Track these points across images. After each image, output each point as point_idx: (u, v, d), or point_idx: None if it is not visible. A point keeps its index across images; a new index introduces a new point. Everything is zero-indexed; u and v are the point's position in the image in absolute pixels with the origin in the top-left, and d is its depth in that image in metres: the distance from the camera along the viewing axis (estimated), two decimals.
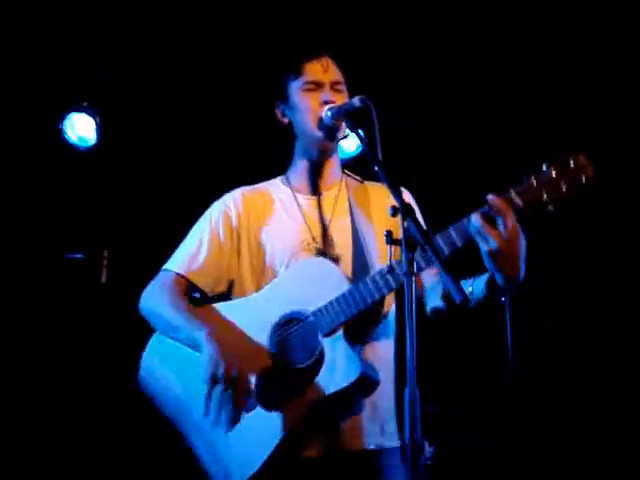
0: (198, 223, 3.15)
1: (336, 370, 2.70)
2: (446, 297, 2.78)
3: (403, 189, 3.05)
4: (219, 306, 2.99)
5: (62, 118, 5.58)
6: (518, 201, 2.46)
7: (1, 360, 5.31)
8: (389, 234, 2.45)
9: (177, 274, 3.02)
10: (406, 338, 2.22)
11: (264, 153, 3.85)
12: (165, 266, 3.08)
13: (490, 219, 2.47)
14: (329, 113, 2.96)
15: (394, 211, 2.39)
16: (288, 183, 3.20)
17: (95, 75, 5.47)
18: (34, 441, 5.22)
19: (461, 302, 2.15)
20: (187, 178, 5.72)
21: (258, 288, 2.98)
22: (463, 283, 2.67)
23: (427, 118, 5.65)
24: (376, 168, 2.55)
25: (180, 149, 5.79)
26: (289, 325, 2.83)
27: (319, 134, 3.01)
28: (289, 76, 3.08)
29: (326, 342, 2.74)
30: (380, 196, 3.08)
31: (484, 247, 2.47)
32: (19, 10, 5.00)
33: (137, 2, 5.13)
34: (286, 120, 3.13)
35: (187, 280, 3.02)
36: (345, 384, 2.66)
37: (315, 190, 3.15)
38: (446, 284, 2.26)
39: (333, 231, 3.04)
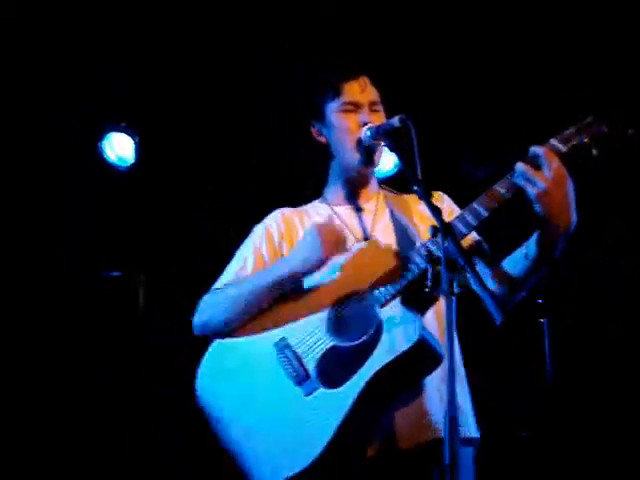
0: (241, 246, 3.17)
1: (395, 337, 2.64)
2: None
3: (440, 193, 3.07)
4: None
5: (101, 138, 5.63)
6: (560, 147, 2.49)
7: (37, 376, 5.34)
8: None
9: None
10: (447, 353, 2.19)
11: (304, 174, 3.84)
12: (215, 286, 3.07)
13: (535, 165, 2.47)
14: (368, 133, 2.96)
15: (434, 231, 2.39)
16: (326, 201, 3.20)
17: (133, 95, 5.52)
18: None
19: (501, 323, 2.13)
20: (224, 198, 5.75)
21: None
22: (518, 251, 2.65)
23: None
24: (415, 188, 2.54)
25: (217, 169, 5.82)
26: (345, 304, 2.81)
27: (357, 156, 3.01)
28: (327, 96, 3.06)
29: (383, 312, 2.71)
30: (419, 203, 3.04)
31: (532, 191, 2.45)
32: (57, 31, 5.06)
33: (173, 24, 5.17)
34: (323, 140, 3.12)
35: None
36: (405, 348, 2.59)
37: (354, 204, 3.15)
38: (486, 304, 2.24)
39: (376, 232, 3.03)
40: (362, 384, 2.61)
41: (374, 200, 3.16)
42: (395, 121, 2.82)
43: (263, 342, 2.87)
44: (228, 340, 2.95)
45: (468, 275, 2.31)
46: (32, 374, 5.36)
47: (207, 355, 2.98)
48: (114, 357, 5.47)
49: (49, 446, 5.23)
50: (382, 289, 2.74)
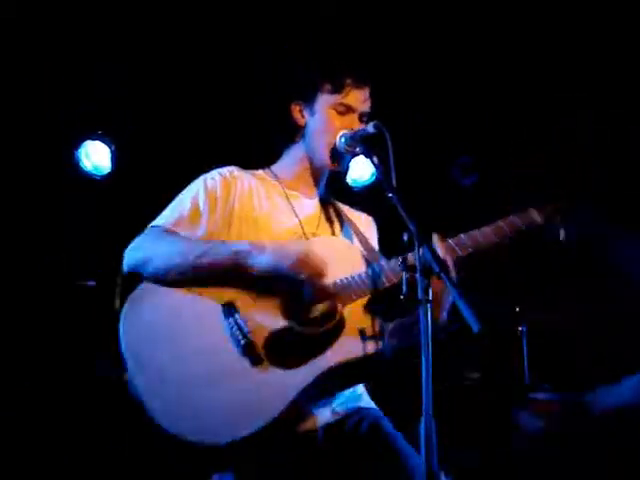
0: (195, 188, 3.01)
1: (351, 340, 2.68)
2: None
3: (371, 219, 3.21)
4: None
5: (77, 146, 5.58)
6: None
7: (14, 387, 5.30)
8: (404, 260, 2.44)
9: (169, 230, 2.87)
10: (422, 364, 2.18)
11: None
12: (156, 223, 2.91)
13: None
14: (342, 140, 2.95)
15: (409, 238, 2.39)
16: (276, 178, 3.16)
17: (110, 103, 5.49)
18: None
19: (479, 332, 2.12)
20: None
21: None
22: None
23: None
24: (390, 195, 2.53)
25: (194, 175, 5.79)
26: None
27: (327, 157, 3.02)
28: (325, 86, 3.04)
29: (346, 311, 2.73)
30: (358, 218, 3.18)
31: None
32: (37, 37, 5.03)
33: (151, 31, 5.14)
34: (301, 121, 3.10)
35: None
36: (370, 351, 2.66)
37: (305, 193, 3.15)
38: (463, 313, 2.23)
39: (322, 232, 3.05)
40: (314, 375, 2.62)
41: (316, 199, 3.17)
42: (370, 128, 2.81)
43: (207, 300, 2.74)
44: (163, 287, 2.77)
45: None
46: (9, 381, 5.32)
47: (137, 296, 2.79)
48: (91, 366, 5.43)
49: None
50: (349, 290, 2.75)
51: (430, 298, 2.27)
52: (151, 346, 2.66)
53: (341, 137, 2.96)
